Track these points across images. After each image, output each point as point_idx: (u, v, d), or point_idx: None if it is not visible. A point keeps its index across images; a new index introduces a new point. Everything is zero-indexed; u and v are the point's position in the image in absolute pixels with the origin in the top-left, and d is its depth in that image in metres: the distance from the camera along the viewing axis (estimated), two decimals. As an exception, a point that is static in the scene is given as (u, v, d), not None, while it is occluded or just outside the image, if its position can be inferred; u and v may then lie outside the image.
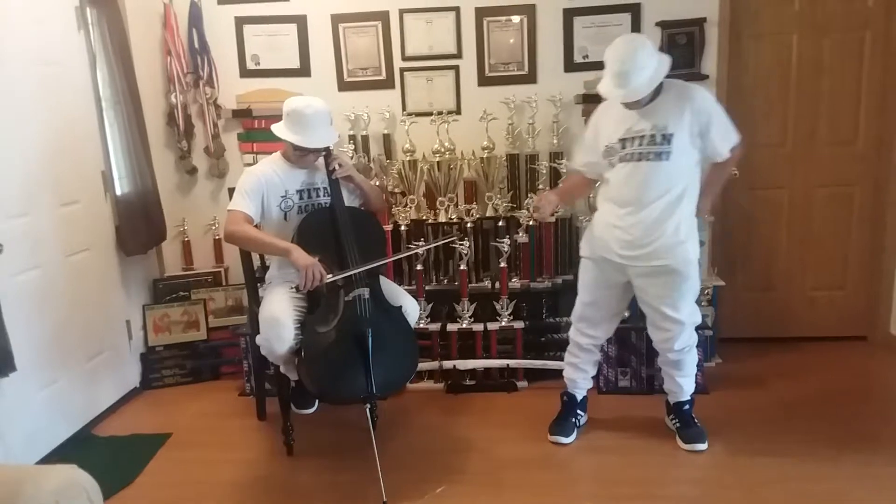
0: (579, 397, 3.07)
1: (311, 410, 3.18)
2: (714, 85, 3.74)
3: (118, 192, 3.60)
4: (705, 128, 2.66)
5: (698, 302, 3.55)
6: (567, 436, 2.97)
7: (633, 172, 2.69)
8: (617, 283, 2.86)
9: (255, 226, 2.88)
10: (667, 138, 2.64)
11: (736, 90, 3.78)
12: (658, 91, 2.65)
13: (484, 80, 3.87)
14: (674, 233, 2.69)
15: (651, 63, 2.57)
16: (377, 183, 3.64)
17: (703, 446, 2.87)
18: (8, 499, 1.57)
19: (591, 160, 2.87)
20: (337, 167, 2.92)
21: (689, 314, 2.82)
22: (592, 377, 3.11)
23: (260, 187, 2.87)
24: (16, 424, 2.79)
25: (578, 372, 3.04)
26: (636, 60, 2.54)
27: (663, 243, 2.68)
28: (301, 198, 2.94)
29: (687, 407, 2.96)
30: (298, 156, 2.89)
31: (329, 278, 2.69)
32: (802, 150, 3.87)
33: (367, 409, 2.75)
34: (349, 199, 3.02)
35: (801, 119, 3.84)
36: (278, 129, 2.87)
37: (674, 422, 2.99)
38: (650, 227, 2.68)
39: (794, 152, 3.88)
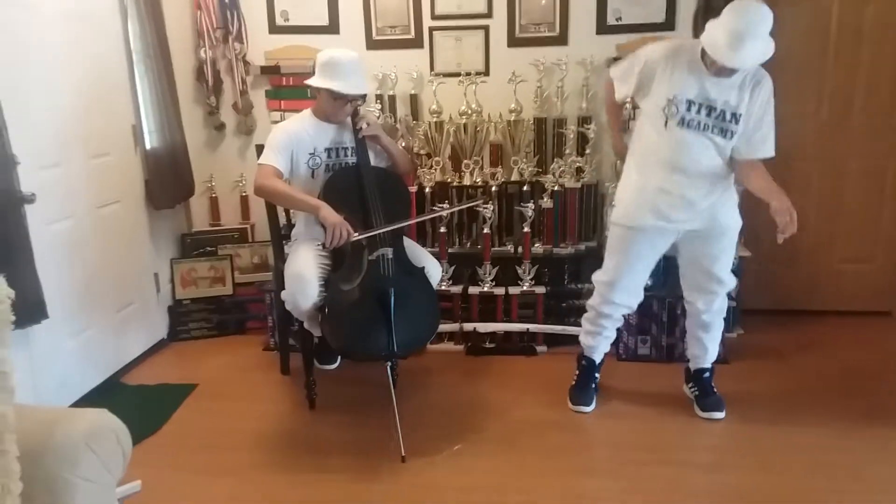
0: (598, 360, 3.07)
1: (334, 366, 3.23)
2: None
3: (147, 146, 3.64)
4: (759, 122, 2.59)
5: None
6: (589, 404, 2.97)
7: (692, 141, 2.60)
8: (660, 249, 2.83)
9: (286, 181, 2.89)
10: (735, 118, 2.57)
11: (772, 58, 3.67)
12: None
13: (514, 41, 3.81)
14: (730, 196, 2.75)
15: (766, 38, 2.46)
16: (403, 145, 3.63)
17: (720, 415, 2.88)
18: (41, 440, 1.63)
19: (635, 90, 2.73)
20: (364, 126, 2.92)
21: (731, 278, 2.86)
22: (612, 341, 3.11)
23: (290, 143, 2.88)
24: (47, 371, 2.88)
25: (600, 339, 3.01)
26: (758, 28, 2.43)
27: (720, 205, 2.71)
28: (329, 156, 2.95)
29: (707, 375, 2.96)
30: (338, 105, 2.87)
31: (355, 237, 2.71)
32: (837, 120, 3.79)
33: (388, 368, 2.80)
34: (376, 160, 3.02)
35: (838, 88, 3.75)
36: (314, 81, 2.87)
37: (692, 389, 2.99)
38: (706, 193, 2.67)
39: (828, 122, 3.79)
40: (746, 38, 2.40)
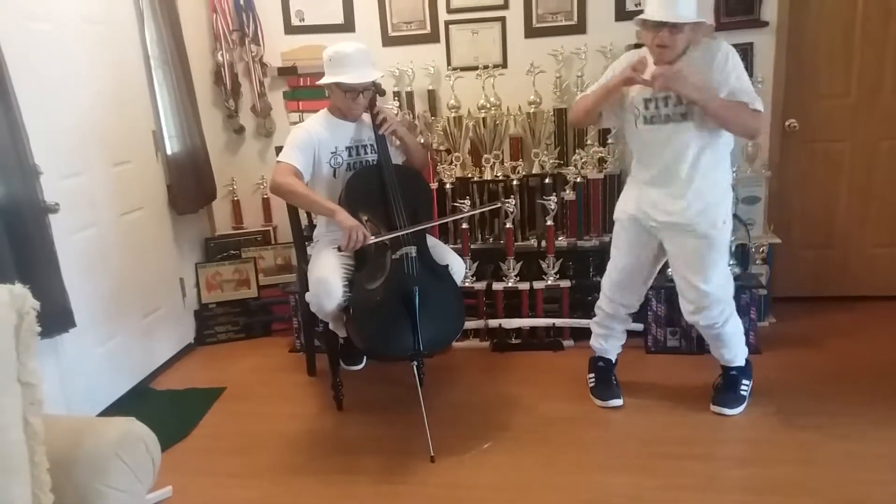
0: (614, 359, 3.04)
1: (360, 367, 3.22)
2: (775, 32, 3.57)
3: (168, 151, 3.65)
4: (723, 86, 2.51)
5: (754, 260, 3.48)
6: (619, 397, 2.93)
7: (657, 135, 2.60)
8: (651, 246, 2.78)
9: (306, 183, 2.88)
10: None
11: (798, 38, 3.60)
12: (684, 51, 2.53)
13: (531, 32, 3.76)
14: (703, 195, 2.60)
15: (694, 1, 2.47)
16: (422, 141, 3.61)
17: (729, 412, 2.79)
18: (70, 449, 1.64)
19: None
20: (384, 121, 2.89)
21: (719, 286, 2.69)
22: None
23: (312, 143, 2.86)
24: (76, 379, 2.90)
25: (612, 340, 3.00)
26: None
27: (693, 207, 2.60)
28: (350, 155, 2.94)
29: (734, 373, 2.86)
30: (350, 98, 2.84)
31: (372, 239, 2.69)
32: (866, 100, 3.68)
33: (414, 367, 2.78)
34: (395, 156, 3.00)
35: (866, 68, 3.64)
36: (323, 79, 2.85)
37: (718, 379, 2.92)
38: (679, 191, 2.61)
39: (857, 103, 3.69)
40: None
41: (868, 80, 3.66)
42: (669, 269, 3.33)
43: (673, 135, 2.58)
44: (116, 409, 3.09)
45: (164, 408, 3.17)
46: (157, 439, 1.83)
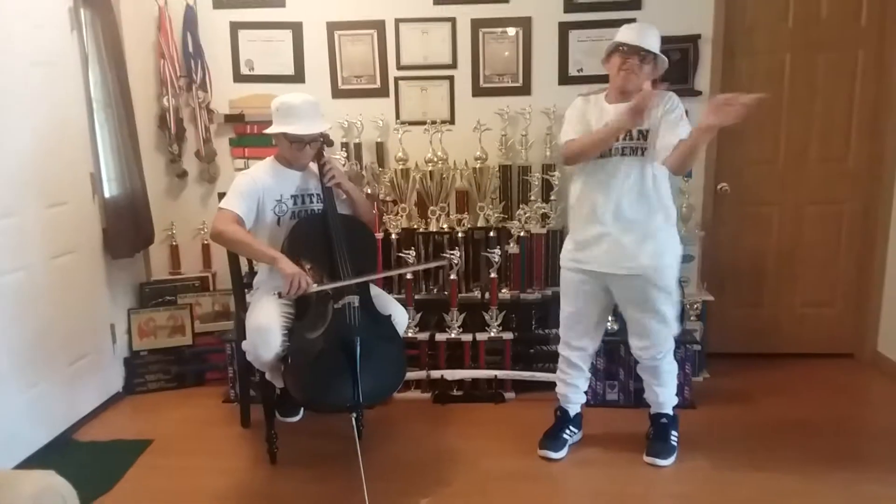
0: (572, 413, 3.04)
1: (297, 419, 3.14)
2: (707, 101, 3.75)
3: (107, 194, 3.57)
4: (667, 120, 2.67)
5: (688, 317, 3.58)
6: (557, 451, 2.93)
7: (615, 169, 2.70)
8: (599, 289, 2.84)
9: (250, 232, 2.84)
10: (643, 134, 2.68)
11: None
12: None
13: (478, 91, 3.87)
14: (654, 236, 2.72)
15: (657, 37, 2.71)
16: (368, 192, 3.63)
17: (662, 462, 2.84)
18: (-18, 503, 1.54)
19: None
20: (330, 172, 2.91)
21: (670, 321, 2.83)
22: (584, 392, 3.08)
23: (256, 191, 2.84)
24: (-6, 428, 2.74)
25: (569, 387, 3.01)
26: (652, 28, 2.72)
27: (646, 248, 2.70)
28: (295, 203, 2.92)
29: (664, 421, 2.93)
30: (296, 149, 2.85)
31: (315, 287, 2.66)
32: (794, 166, 3.89)
33: (353, 419, 2.72)
34: (341, 207, 3.00)
35: (793, 136, 3.86)
36: (270, 129, 2.86)
37: (650, 430, 2.97)
38: (633, 229, 2.70)
39: (785, 169, 3.89)
40: (646, 30, 2.70)
41: (795, 147, 3.87)
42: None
43: (627, 168, 2.69)
44: (36, 460, 2.92)
45: (87, 460, 3.01)
46: (76, 494, 1.74)
